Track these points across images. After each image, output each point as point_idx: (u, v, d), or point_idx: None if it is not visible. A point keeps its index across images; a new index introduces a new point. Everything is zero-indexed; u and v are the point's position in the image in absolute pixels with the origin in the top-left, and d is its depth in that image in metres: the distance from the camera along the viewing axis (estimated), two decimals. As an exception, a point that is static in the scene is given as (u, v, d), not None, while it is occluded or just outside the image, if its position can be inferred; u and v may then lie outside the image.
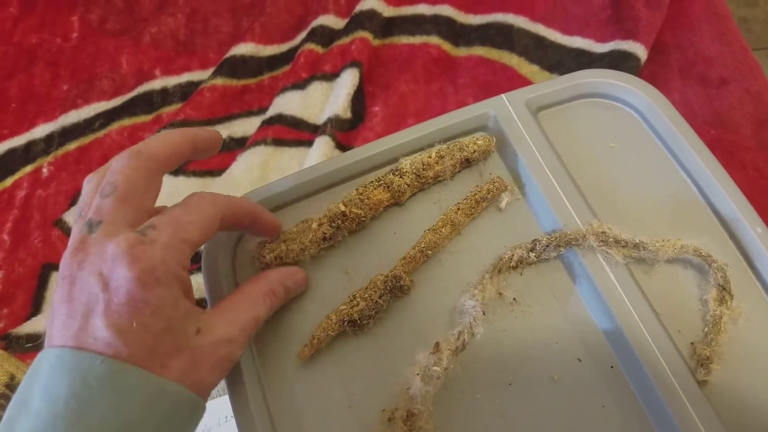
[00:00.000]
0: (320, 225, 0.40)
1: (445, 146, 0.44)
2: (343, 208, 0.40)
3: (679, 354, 0.36)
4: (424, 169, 0.43)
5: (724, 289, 0.37)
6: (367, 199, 0.41)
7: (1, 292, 0.58)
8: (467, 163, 0.45)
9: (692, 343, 0.37)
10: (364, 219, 0.41)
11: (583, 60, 0.68)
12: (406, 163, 0.43)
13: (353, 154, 0.45)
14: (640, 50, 0.65)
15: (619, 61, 0.65)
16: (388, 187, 0.42)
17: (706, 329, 0.37)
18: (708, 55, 0.68)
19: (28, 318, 0.56)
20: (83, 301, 0.29)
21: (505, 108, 0.45)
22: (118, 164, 0.32)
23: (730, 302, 0.37)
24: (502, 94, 0.46)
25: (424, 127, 0.45)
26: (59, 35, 0.75)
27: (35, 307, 0.58)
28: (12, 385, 0.52)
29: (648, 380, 0.36)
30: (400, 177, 0.42)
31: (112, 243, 0.29)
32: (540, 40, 0.70)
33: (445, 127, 0.45)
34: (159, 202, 0.59)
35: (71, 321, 0.28)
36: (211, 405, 0.51)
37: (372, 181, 0.42)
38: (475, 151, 0.44)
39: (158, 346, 0.29)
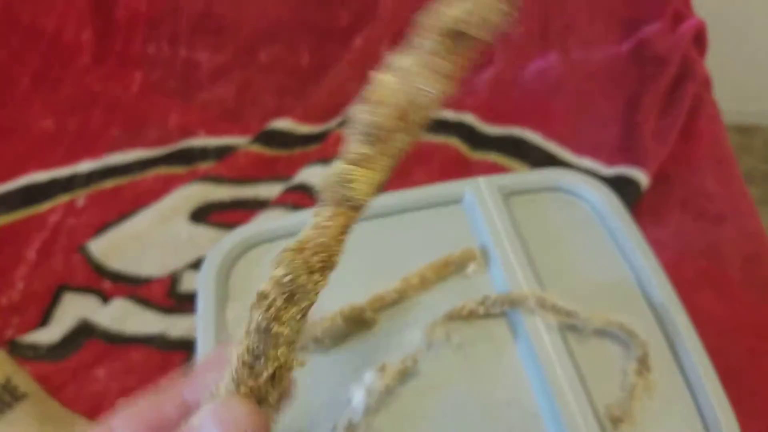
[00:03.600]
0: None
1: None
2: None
3: (594, 412, 0.44)
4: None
5: (642, 362, 0.46)
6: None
7: (17, 302, 0.67)
8: None
9: (607, 405, 0.45)
10: None
11: (588, 179, 0.79)
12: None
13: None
14: (642, 178, 0.76)
15: (621, 185, 0.75)
16: None
17: (623, 394, 0.45)
18: (708, 192, 0.78)
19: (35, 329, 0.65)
20: None
21: (479, 189, 0.56)
22: None
23: (647, 375, 0.45)
24: (479, 177, 0.57)
25: (405, 193, 0.57)
26: (120, 87, 0.89)
27: (44, 321, 0.66)
28: (7, 387, 0.58)
29: (564, 430, 0.44)
30: None
31: None
32: (551, 156, 0.81)
33: (424, 197, 0.58)
34: (176, 247, 0.70)
35: None
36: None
37: None
38: None
39: None
